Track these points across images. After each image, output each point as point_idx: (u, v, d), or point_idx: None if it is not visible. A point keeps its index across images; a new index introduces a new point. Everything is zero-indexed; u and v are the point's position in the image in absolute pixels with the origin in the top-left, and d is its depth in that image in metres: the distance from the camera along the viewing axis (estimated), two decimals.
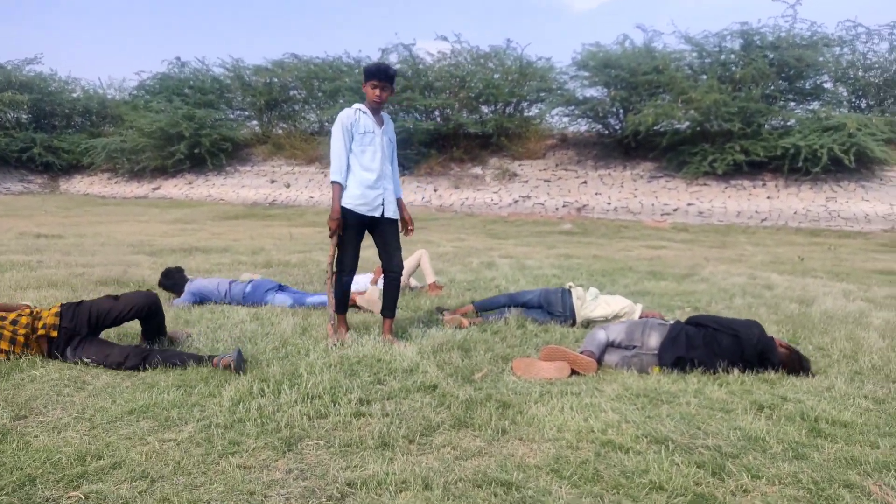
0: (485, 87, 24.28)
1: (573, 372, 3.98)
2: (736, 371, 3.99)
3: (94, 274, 7.25)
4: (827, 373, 4.19)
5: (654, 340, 4.10)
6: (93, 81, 40.30)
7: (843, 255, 12.54)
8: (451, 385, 3.62)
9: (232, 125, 28.89)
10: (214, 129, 27.12)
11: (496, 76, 24.66)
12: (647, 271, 9.10)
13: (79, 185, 29.50)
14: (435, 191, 23.43)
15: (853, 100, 22.75)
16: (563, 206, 21.31)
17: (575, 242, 13.92)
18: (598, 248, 12.64)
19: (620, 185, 21.99)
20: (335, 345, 4.39)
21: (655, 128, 21.69)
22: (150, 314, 4.28)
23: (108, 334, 4.40)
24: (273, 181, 25.96)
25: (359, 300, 5.89)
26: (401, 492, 2.44)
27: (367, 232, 4.80)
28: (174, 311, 5.50)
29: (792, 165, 19.65)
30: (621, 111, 23.55)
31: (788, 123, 21.26)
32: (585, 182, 22.56)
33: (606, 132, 24.86)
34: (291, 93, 28.59)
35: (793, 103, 22.27)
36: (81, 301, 4.16)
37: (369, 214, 4.67)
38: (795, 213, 18.96)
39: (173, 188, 26.91)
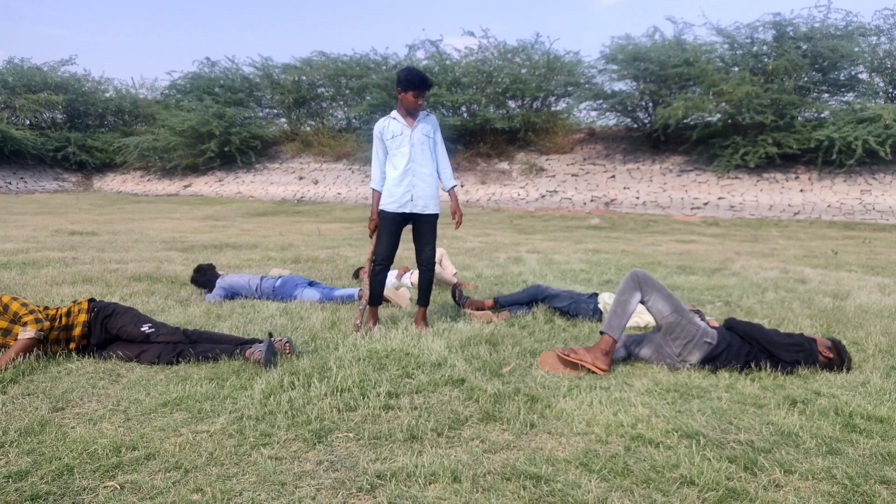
0: (512, 82, 24.21)
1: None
2: (768, 366, 3.93)
3: (128, 270, 7.38)
4: (862, 368, 4.11)
5: (694, 357, 3.99)
6: (125, 81, 41.30)
7: (878, 248, 12.28)
8: (479, 379, 3.62)
9: (261, 123, 29.23)
10: (244, 127, 27.47)
11: (523, 71, 24.59)
12: (677, 266, 9.00)
13: (112, 182, 30.05)
14: (462, 186, 23.43)
15: (890, 90, 22.25)
16: (591, 200, 21.18)
17: (603, 237, 13.82)
18: (626, 242, 12.53)
19: (649, 180, 21.79)
20: (361, 329, 4.74)
21: (685, 121, 21.49)
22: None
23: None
24: (301, 178, 26.18)
25: (385, 292, 5.95)
26: (430, 484, 2.45)
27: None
28: (206, 306, 5.58)
29: (826, 158, 19.31)
30: (650, 104, 23.33)
31: (822, 115, 20.89)
32: (614, 176, 22.39)
33: (635, 126, 24.65)
34: (319, 90, 28.83)
35: (827, 95, 21.88)
36: (114, 310, 4.15)
37: (400, 211, 4.90)
38: (829, 206, 18.62)
39: (204, 185, 27.27)
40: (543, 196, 21.93)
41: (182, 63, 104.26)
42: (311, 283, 6.20)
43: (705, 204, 19.85)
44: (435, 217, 5.03)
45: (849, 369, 3.99)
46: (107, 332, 4.07)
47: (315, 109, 29.90)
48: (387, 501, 2.31)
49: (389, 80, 24.71)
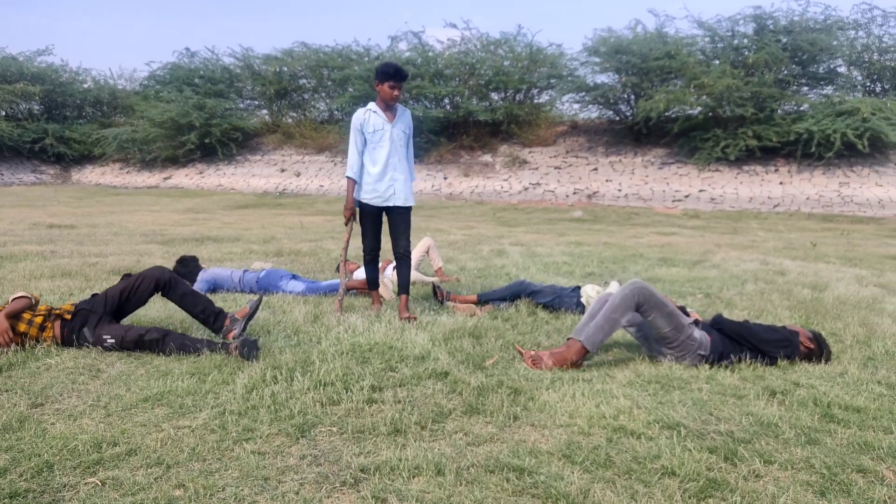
0: (494, 74, 24.18)
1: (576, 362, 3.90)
2: (748, 356, 3.96)
3: (108, 263, 7.31)
4: (840, 358, 4.17)
5: (685, 363, 3.94)
6: (103, 72, 40.68)
7: (856, 240, 12.45)
8: (462, 372, 3.63)
9: (242, 115, 28.97)
10: (225, 118, 27.21)
11: (506, 63, 24.56)
12: (658, 258, 9.07)
13: (90, 175, 29.68)
14: (445, 179, 23.41)
15: (868, 84, 22.52)
16: (574, 193, 21.25)
17: (585, 230, 13.89)
18: (608, 235, 12.60)
19: (631, 172, 21.90)
20: (371, 312, 5.10)
21: (667, 114, 21.59)
22: (167, 286, 4.31)
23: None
24: (283, 170, 26.02)
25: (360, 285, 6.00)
26: (414, 477, 2.45)
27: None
28: None
29: (805, 151, 19.51)
30: (632, 97, 23.42)
31: (801, 108, 21.09)
32: (596, 169, 22.47)
33: (617, 118, 24.74)
34: (301, 81, 28.61)
35: (806, 88, 22.10)
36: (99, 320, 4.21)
37: (383, 205, 5.14)
38: (808, 198, 18.83)
39: (184, 178, 27.02)
40: (526, 188, 21.97)
41: (161, 54, 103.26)
42: (293, 277, 6.17)
43: (686, 196, 19.99)
44: (410, 209, 5.25)
45: (828, 360, 4.05)
46: (95, 299, 4.18)
47: (297, 101, 29.68)
48: (370, 495, 2.31)
49: (371, 71, 24.55)
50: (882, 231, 14.47)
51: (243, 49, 29.21)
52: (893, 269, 8.44)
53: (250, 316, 4.28)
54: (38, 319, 4.00)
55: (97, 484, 2.38)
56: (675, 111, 21.87)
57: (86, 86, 32.98)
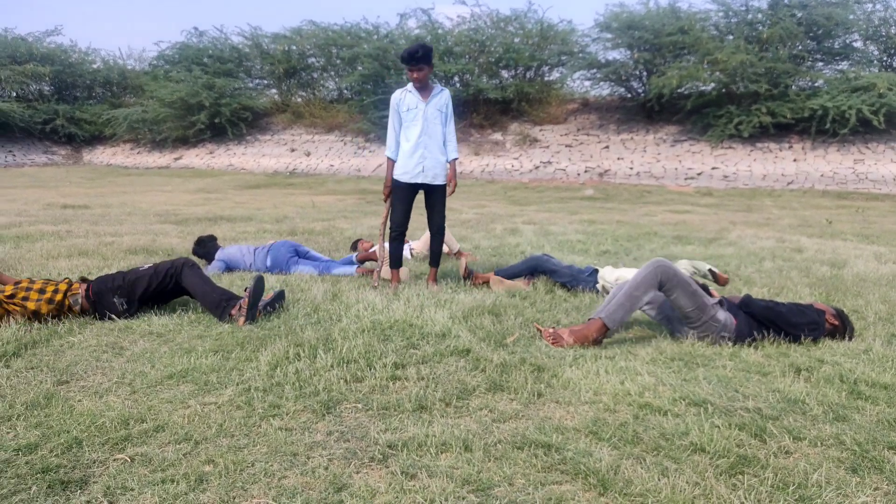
0: (505, 51, 23.96)
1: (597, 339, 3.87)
2: (771, 333, 3.93)
3: (124, 243, 7.33)
4: (863, 335, 4.13)
5: (707, 341, 3.92)
6: (112, 52, 40.63)
7: (871, 217, 12.33)
8: (483, 349, 3.62)
9: (251, 94, 28.86)
10: (234, 98, 27.14)
11: (516, 40, 24.32)
12: (673, 236, 9.01)
13: (102, 155, 29.73)
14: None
15: (885, 59, 22.16)
16: (585, 171, 21.12)
17: (598, 208, 13.81)
18: (621, 213, 12.53)
19: (643, 150, 21.73)
20: (387, 289, 5.22)
21: (679, 90, 21.37)
22: (180, 274, 4.35)
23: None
24: (293, 150, 25.97)
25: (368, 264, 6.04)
26: (442, 453, 2.45)
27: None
28: None
29: (819, 127, 19.29)
30: (645, 74, 23.19)
31: (816, 84, 20.83)
32: (608, 147, 22.32)
33: (629, 95, 24.51)
34: (310, 60, 28.44)
35: (821, 63, 21.79)
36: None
37: (412, 182, 5.31)
38: (822, 175, 18.65)
39: (195, 158, 27.03)
40: (537, 167, 21.86)
41: (169, 33, 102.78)
42: (297, 252, 6.12)
43: (699, 174, 19.84)
44: (444, 188, 5.42)
45: (851, 337, 4.02)
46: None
47: (306, 80, 29.52)
48: (400, 471, 2.31)
49: (381, 49, 24.42)
50: None
51: (252, 28, 29.12)
52: None
53: (252, 304, 4.16)
54: (49, 293, 4.09)
55: (126, 460, 2.40)
56: (688, 88, 21.64)
57: (95, 66, 32.92)
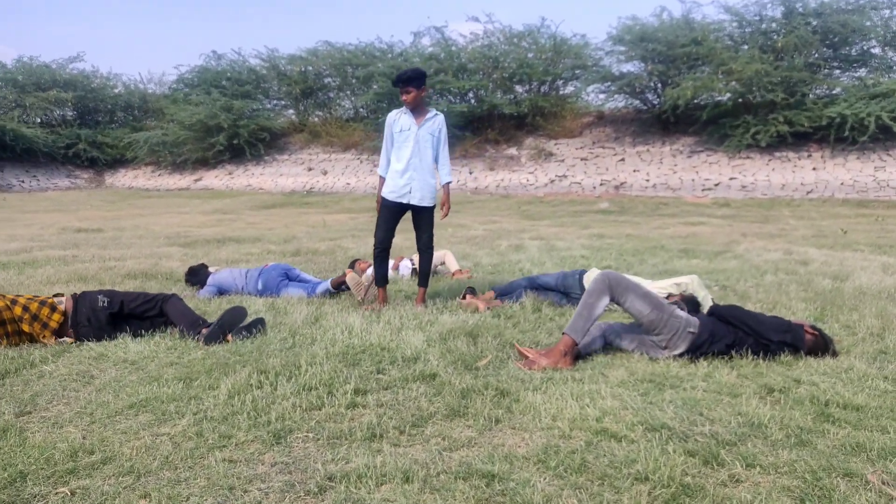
0: (518, 66, 24.01)
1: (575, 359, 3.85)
2: (749, 352, 3.84)
3: (125, 267, 7.40)
4: (850, 352, 4.01)
5: (680, 349, 3.86)
6: (133, 77, 41.46)
7: (889, 226, 12.08)
8: (450, 373, 3.57)
9: (269, 115, 29.27)
10: (252, 119, 27.52)
11: (530, 55, 24.37)
12: (680, 249, 8.90)
13: (123, 178, 30.25)
14: (470, 173, 23.32)
15: None
16: (601, 184, 21.00)
17: (610, 221, 13.71)
18: (633, 226, 12.42)
19: (659, 162, 21.56)
20: (370, 307, 5.32)
21: (695, 101, 21.21)
22: (167, 302, 4.50)
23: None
24: (310, 169, 26.20)
25: (347, 278, 5.98)
26: (381, 485, 2.41)
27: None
28: (195, 303, 5.57)
29: (838, 135, 18.99)
30: (659, 85, 23.06)
31: (834, 92, 20.54)
32: (623, 159, 22.18)
33: (644, 107, 24.38)
34: (326, 80, 28.78)
35: (838, 71, 21.50)
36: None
37: (398, 201, 5.39)
38: (842, 183, 18.33)
39: (214, 179, 27.38)
40: (552, 181, 21.77)
41: (188, 57, 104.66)
42: (287, 275, 6.14)
43: (716, 185, 19.61)
44: (431, 209, 5.52)
45: (835, 354, 3.90)
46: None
47: (322, 100, 29.85)
48: None
49: (395, 68, 24.58)
50: None
51: (269, 50, 29.56)
52: None
53: (220, 325, 4.30)
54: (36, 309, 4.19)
55: (66, 494, 2.39)
56: (704, 98, 21.48)
57: (116, 91, 33.65)
